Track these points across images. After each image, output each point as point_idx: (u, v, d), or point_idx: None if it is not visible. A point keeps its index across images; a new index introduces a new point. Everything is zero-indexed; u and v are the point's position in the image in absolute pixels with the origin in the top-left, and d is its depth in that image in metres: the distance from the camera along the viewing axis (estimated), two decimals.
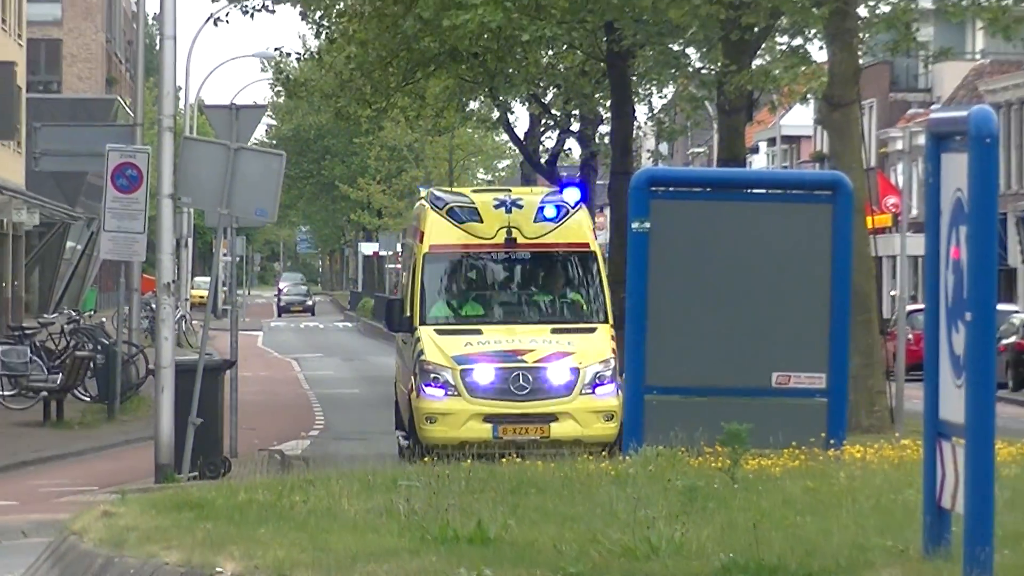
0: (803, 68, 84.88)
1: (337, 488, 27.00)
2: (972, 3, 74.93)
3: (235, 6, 76.01)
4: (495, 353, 44.36)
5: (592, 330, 46.28)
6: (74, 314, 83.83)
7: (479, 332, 47.22)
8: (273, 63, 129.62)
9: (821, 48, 77.59)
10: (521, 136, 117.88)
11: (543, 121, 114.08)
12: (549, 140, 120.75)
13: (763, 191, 45.95)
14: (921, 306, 73.57)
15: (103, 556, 21.76)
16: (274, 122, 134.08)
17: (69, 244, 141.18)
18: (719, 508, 22.01)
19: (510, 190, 57.50)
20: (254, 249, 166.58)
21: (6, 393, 69.74)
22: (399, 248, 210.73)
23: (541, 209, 48.41)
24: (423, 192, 65.85)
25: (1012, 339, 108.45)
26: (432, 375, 45.37)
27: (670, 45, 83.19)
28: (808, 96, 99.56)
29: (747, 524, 20.28)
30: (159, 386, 50.77)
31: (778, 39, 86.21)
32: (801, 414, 34.12)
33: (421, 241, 56.12)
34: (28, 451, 56.43)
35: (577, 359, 44.54)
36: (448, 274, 48.86)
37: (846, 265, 38.72)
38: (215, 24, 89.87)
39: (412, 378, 57.88)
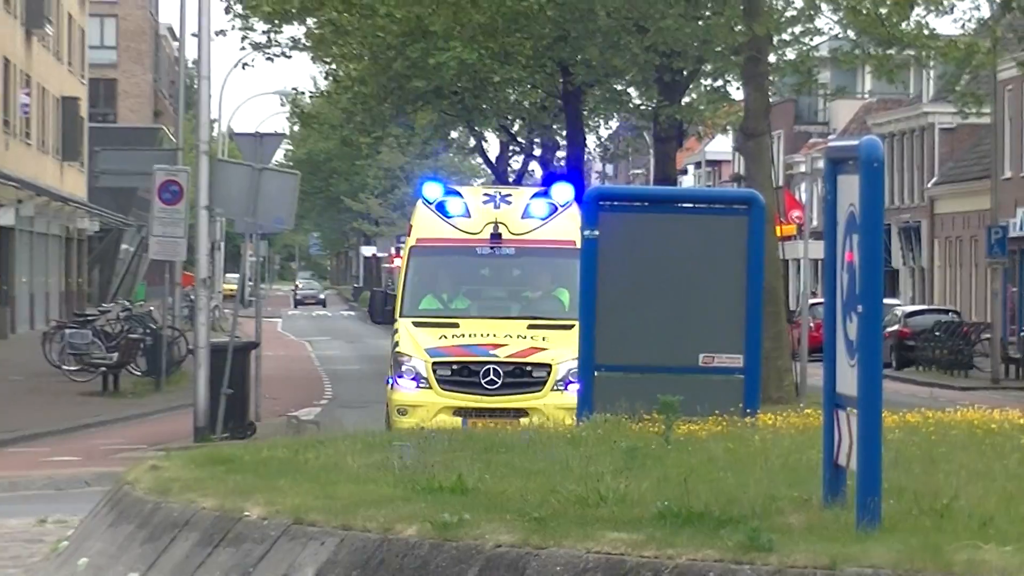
0: (724, 105, 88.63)
1: (342, 447, 27.05)
2: (862, 52, 74.97)
3: (259, 53, 75.76)
4: (467, 346, 40.39)
5: (569, 327, 38.85)
6: (127, 304, 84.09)
7: (456, 325, 42.39)
8: (290, 99, 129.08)
9: (738, 88, 79.07)
10: (493, 159, 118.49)
11: (511, 147, 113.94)
12: (516, 163, 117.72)
13: (691, 205, 45.89)
14: (820, 300, 73.84)
15: (151, 502, 21.71)
16: (291, 147, 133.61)
17: (123, 247, 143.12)
18: (655, 465, 22.00)
19: (501, 189, 53.06)
20: (274, 251, 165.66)
21: (72, 368, 70.37)
22: (392, 250, 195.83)
23: (529, 206, 43.94)
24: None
25: (895, 327, 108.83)
26: (404, 367, 41.17)
27: (614, 86, 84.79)
28: (727, 127, 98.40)
29: (679, 478, 20.27)
30: (197, 363, 51.18)
31: (703, 81, 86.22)
32: (722, 388, 34.23)
33: (409, 235, 49.52)
34: (89, 416, 56.50)
35: (550, 356, 40.04)
36: (432, 268, 44.44)
37: (759, 266, 38.81)
38: (243, 67, 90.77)
39: (388, 369, 49.17)
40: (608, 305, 35.68)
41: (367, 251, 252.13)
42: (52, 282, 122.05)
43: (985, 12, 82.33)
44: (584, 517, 18.44)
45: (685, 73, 74.46)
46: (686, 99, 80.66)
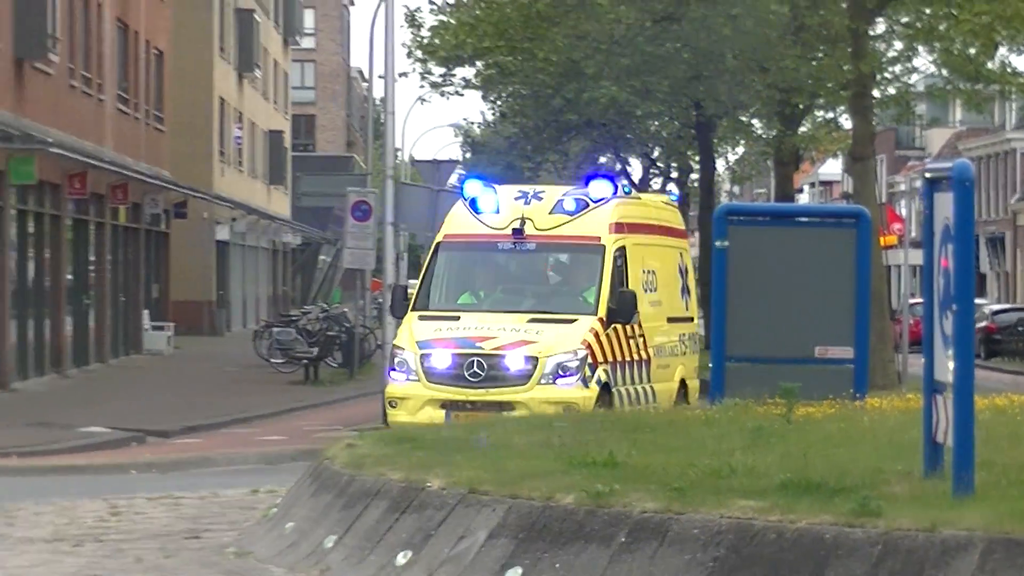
0: (834, 133, 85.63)
1: (509, 428, 27.03)
2: (953, 88, 74.30)
3: (436, 92, 75.52)
4: (455, 339, 35.85)
5: (572, 321, 36.29)
6: (325, 306, 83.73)
7: (456, 319, 37.43)
8: (462, 131, 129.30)
9: (847, 119, 75.68)
10: (636, 181, 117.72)
11: (651, 171, 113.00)
12: (656, 184, 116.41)
13: (806, 219, 45.65)
14: (919, 300, 72.92)
15: (347, 475, 21.68)
16: (463, 171, 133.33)
17: (321, 257, 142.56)
18: (778, 442, 21.88)
19: (540, 186, 45.84)
20: None
21: (278, 361, 70.26)
22: None
23: (560, 202, 37.83)
24: None
25: (983, 324, 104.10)
26: (397, 359, 36.80)
27: (740, 117, 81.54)
28: (837, 152, 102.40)
29: (798, 453, 20.16)
30: (384, 356, 51.01)
31: (817, 112, 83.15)
32: (835, 376, 33.95)
33: (439, 229, 42.87)
34: (294, 402, 56.59)
35: (537, 349, 35.50)
36: (454, 263, 38.75)
37: (866, 271, 38.68)
38: (421, 103, 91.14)
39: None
40: (736, 305, 35.50)
41: None
42: (261, 288, 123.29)
43: None
44: (717, 487, 18.33)
45: (801, 106, 72.94)
46: (802, 128, 78.50)
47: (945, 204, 18.96)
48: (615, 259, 36.16)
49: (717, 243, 37.58)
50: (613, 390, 35.34)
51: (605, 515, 18.05)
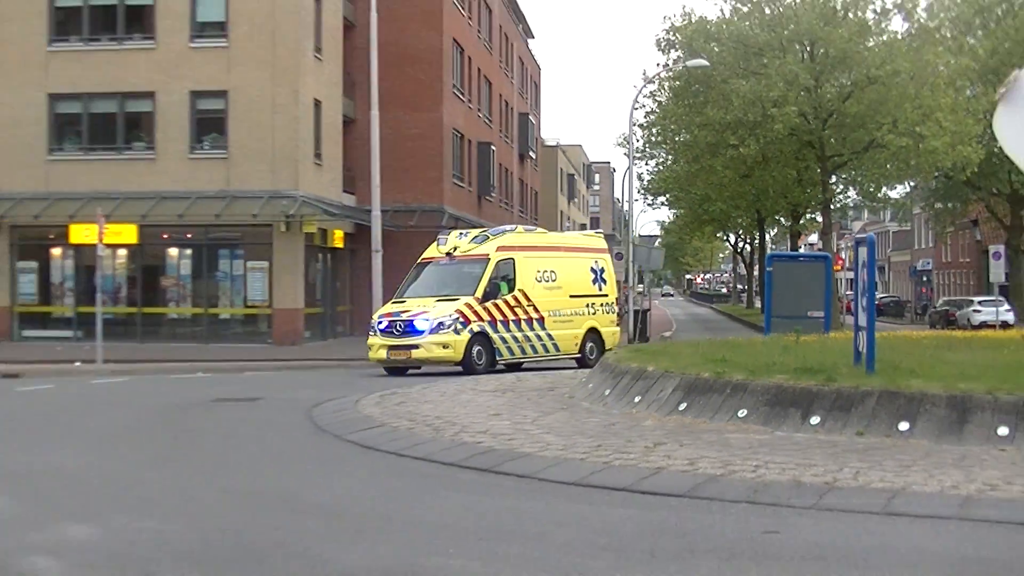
0: (813, 223, 75.19)
1: (680, 346, 26.83)
2: (863, 204, 71.96)
3: (651, 206, 74.13)
4: (392, 312, 32.57)
5: (456, 299, 32.65)
6: None
7: (403, 302, 33.50)
8: (664, 226, 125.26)
9: (819, 216, 68.15)
10: (734, 242, 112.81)
11: (739, 238, 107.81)
12: (740, 244, 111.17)
13: (804, 258, 45.51)
14: (851, 292, 71.63)
15: (614, 364, 21.70)
16: (662, 235, 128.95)
17: None
18: (793, 352, 21.84)
19: (472, 230, 38.36)
20: (655, 275, 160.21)
21: None
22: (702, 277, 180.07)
23: (475, 237, 34.43)
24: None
25: (945, 309, 79.20)
26: (372, 323, 33.21)
27: (777, 217, 77.11)
28: (816, 231, 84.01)
29: (802, 356, 20.34)
30: (629, 316, 50.13)
31: (808, 215, 73.11)
32: (816, 324, 32.61)
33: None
34: None
35: (429, 314, 32.15)
36: (419, 273, 34.08)
37: (830, 280, 38.57)
38: (646, 209, 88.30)
39: None
40: (776, 294, 35.27)
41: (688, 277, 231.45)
42: None
43: None
44: (767, 370, 18.23)
45: (805, 214, 71.23)
46: (801, 222, 75.08)
47: (862, 252, 18.97)
48: (497, 266, 33.24)
49: (768, 268, 37.58)
50: (493, 335, 32.58)
51: (721, 381, 18.07)
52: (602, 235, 39.83)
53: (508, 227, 35.79)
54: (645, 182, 72.16)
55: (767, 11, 56.13)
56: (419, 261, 34.70)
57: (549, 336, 34.59)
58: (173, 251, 45.49)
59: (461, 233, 34.76)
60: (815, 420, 16.46)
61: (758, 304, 72.91)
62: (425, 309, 32.06)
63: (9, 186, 43.92)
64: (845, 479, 13.06)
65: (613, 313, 37.73)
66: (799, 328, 28.66)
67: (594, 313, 36.46)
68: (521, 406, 20.61)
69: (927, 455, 14.60)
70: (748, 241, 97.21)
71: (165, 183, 43.81)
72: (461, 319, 32.01)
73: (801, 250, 67.37)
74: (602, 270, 37.38)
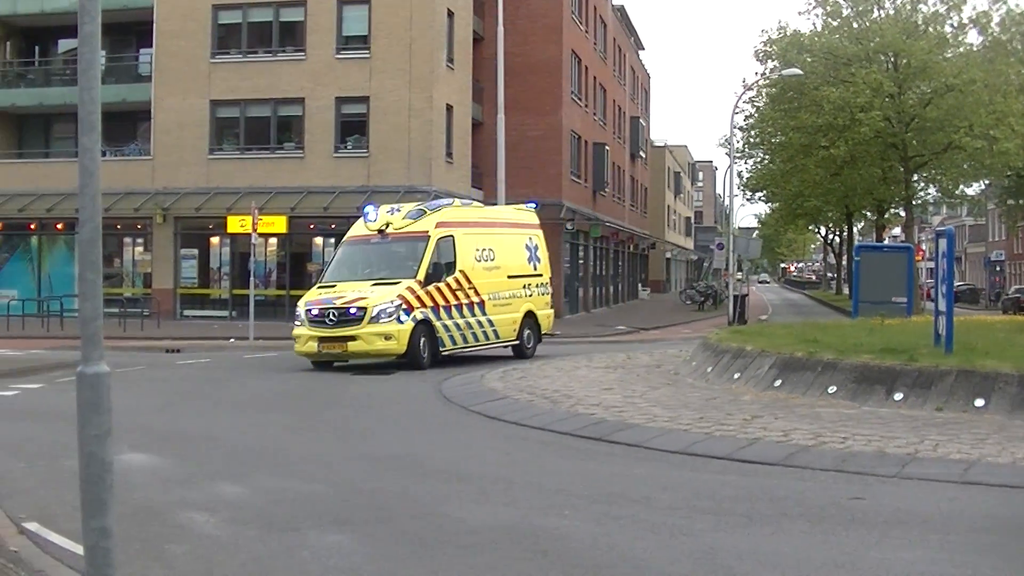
0: (896, 218, 72.16)
1: (775, 327, 26.67)
2: (942, 200, 70.85)
3: (747, 200, 73.77)
4: (324, 299, 26.78)
5: (396, 283, 26.97)
6: (706, 282, 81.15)
7: (333, 287, 27.73)
8: (761, 219, 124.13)
9: (903, 211, 62.56)
10: (824, 234, 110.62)
11: (829, 231, 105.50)
12: (831, 236, 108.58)
13: (888, 249, 44.78)
14: (931, 280, 70.40)
15: (715, 343, 21.53)
16: (759, 226, 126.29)
17: (704, 264, 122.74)
18: (879, 333, 21.53)
19: (403, 204, 31.42)
20: (754, 264, 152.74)
21: (689, 302, 68.31)
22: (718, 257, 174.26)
23: (410, 212, 28.60)
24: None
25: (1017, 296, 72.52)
26: (298, 312, 27.19)
27: (864, 211, 75.77)
28: (898, 225, 75.93)
29: (887, 337, 20.07)
30: (728, 301, 49.85)
31: (892, 210, 70.07)
32: (900, 309, 32.69)
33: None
34: (694, 318, 55.08)
35: (368, 301, 26.26)
36: (345, 253, 28.82)
37: (912, 269, 37.94)
38: (743, 204, 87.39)
39: None
40: (863, 282, 34.69)
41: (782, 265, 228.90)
42: (681, 275, 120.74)
43: None
44: (855, 350, 17.97)
45: (890, 209, 70.09)
46: (885, 216, 73.40)
47: (942, 244, 18.63)
48: (437, 245, 26.34)
49: (856, 258, 36.97)
50: (436, 323, 25.70)
51: (813, 360, 17.84)
52: (534, 210, 32.14)
53: (445, 201, 28.66)
54: (744, 179, 71.45)
55: (855, 25, 55.76)
56: (346, 239, 27.70)
57: (489, 322, 27.94)
58: (318, 240, 45.75)
59: (392, 208, 27.43)
60: (898, 396, 16.24)
61: (846, 291, 71.78)
62: (362, 295, 25.09)
63: (175, 182, 44.60)
64: (925, 450, 12.89)
65: (548, 295, 31.13)
66: (884, 312, 28.31)
67: (530, 295, 29.89)
68: (631, 381, 20.53)
69: (1000, 429, 14.37)
70: (837, 233, 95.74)
71: (312, 179, 43.99)
72: (404, 306, 25.12)
73: (886, 242, 66.23)
74: (536, 247, 30.73)
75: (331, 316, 24.57)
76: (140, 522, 9.44)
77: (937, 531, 9.47)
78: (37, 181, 45.32)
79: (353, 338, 24.35)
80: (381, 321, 24.30)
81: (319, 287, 26.43)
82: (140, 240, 46.57)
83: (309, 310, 25.04)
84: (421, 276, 25.40)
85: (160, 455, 13.04)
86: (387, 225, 26.54)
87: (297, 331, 25.20)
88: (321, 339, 24.67)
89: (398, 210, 26.83)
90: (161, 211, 44.36)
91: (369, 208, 27.05)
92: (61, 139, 48.10)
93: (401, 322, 24.62)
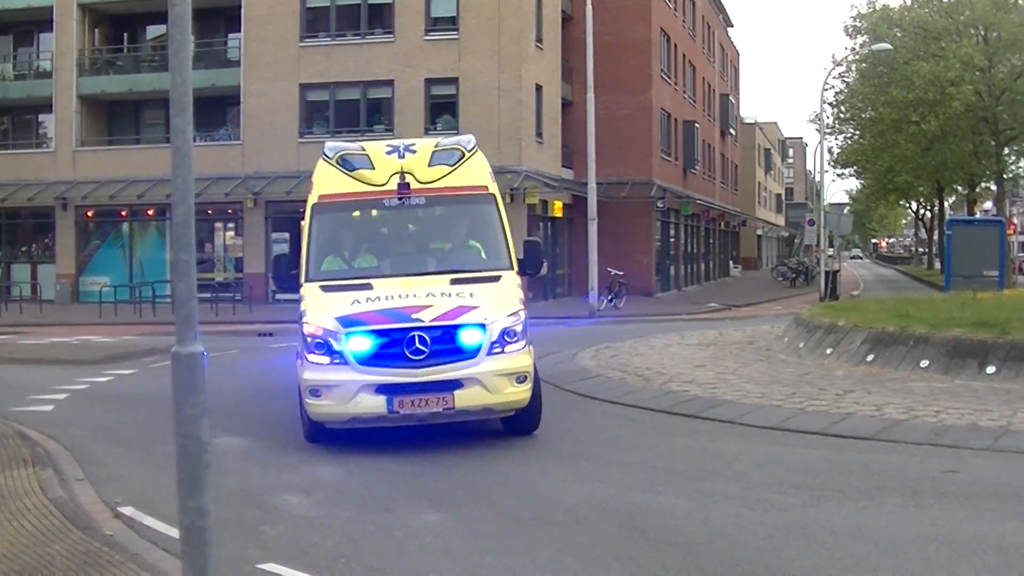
0: (987, 192, 70.12)
1: (868, 303, 26.49)
2: None
3: (840, 177, 72.74)
4: (386, 312, 12.62)
5: (496, 279, 13.51)
6: (799, 258, 79.84)
7: (368, 287, 13.29)
8: (852, 195, 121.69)
9: (994, 185, 61.59)
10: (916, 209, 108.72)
11: (920, 204, 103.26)
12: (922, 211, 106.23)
13: (979, 223, 44.15)
14: (1022, 254, 68.04)
15: (807, 319, 21.41)
16: (852, 201, 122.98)
17: (796, 240, 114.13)
18: (971, 307, 21.29)
19: (405, 140, 16.02)
20: (846, 240, 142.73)
21: (782, 279, 67.17)
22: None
23: (436, 153, 14.92)
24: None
25: None
26: (316, 340, 12.63)
27: (955, 186, 74.59)
28: (990, 199, 73.03)
29: (980, 311, 19.81)
30: (821, 277, 49.14)
31: (983, 184, 67.32)
32: (992, 282, 31.97)
33: (311, 192, 15.23)
34: (787, 294, 54.19)
35: (482, 314, 12.67)
36: (338, 226, 14.78)
37: (1004, 243, 37.33)
38: (834, 180, 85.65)
39: (299, 344, 13.53)
40: (954, 256, 34.32)
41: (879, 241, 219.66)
42: (772, 251, 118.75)
43: None
44: (947, 323, 17.79)
45: (980, 183, 69.17)
46: (977, 190, 72.11)
47: None
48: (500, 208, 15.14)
49: (947, 232, 36.55)
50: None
51: (904, 334, 17.70)
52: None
53: (465, 138, 15.50)
54: (834, 155, 70.74)
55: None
56: (323, 199, 14.78)
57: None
58: None
59: (395, 146, 15.14)
60: (991, 369, 16.06)
61: (937, 266, 70.73)
62: (463, 303, 13.04)
63: (266, 166, 44.65)
64: (1019, 423, 12.76)
65: None
66: (976, 286, 27.94)
67: None
68: (723, 358, 20.45)
69: None
70: (928, 208, 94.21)
71: None
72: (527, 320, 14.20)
73: (977, 216, 65.10)
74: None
75: (416, 344, 12.38)
76: (236, 505, 9.57)
77: None
78: (127, 168, 45.28)
79: (460, 383, 12.41)
80: (508, 349, 12.73)
81: (340, 286, 13.45)
82: (231, 225, 46.62)
83: (358, 333, 12.50)
84: (514, 262, 14.03)
85: (256, 438, 13.14)
86: (403, 175, 14.27)
87: (324, 374, 12.40)
88: (394, 388, 12.37)
89: (411, 150, 14.74)
90: (252, 195, 44.50)
91: (343, 148, 14.80)
92: (151, 125, 48.10)
93: (530, 349, 13.28)
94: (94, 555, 7.68)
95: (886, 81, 55.82)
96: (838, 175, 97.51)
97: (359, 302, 12.54)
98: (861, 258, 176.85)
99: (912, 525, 8.65)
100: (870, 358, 17.87)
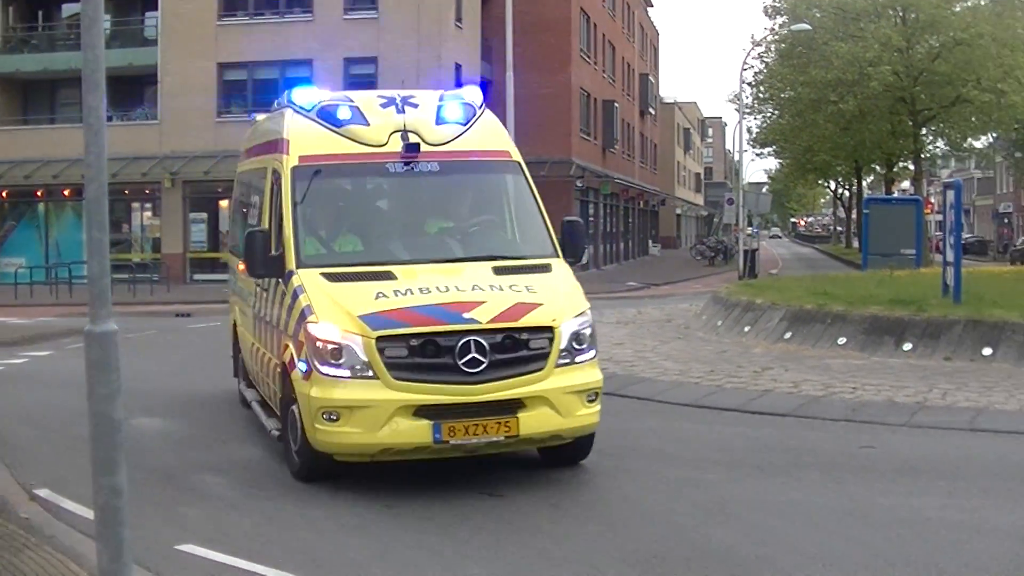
0: (905, 171, 73.98)
1: (786, 280, 26.63)
2: (951, 153, 70.31)
3: (756, 155, 73.72)
4: (426, 308, 8.83)
5: (545, 268, 9.84)
6: (716, 237, 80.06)
7: (390, 276, 9.30)
8: (771, 174, 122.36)
9: (911, 165, 62.64)
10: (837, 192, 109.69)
11: (839, 185, 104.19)
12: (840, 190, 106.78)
13: (897, 201, 44.62)
14: (939, 233, 69.54)
15: (725, 297, 21.52)
16: (771, 181, 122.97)
17: (715, 219, 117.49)
18: (888, 285, 21.54)
19: (401, 91, 11.19)
20: (764, 218, 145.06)
21: (700, 258, 67.34)
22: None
23: (443, 108, 10.54)
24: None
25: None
26: (331, 345, 8.76)
27: (873, 166, 75.04)
28: (908, 179, 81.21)
29: (896, 288, 20.00)
30: (739, 256, 49.26)
31: (901, 164, 67.48)
32: (909, 260, 32.41)
33: (285, 152, 10.36)
34: (704, 274, 54.24)
35: (549, 313, 9.12)
36: (329, 196, 10.31)
37: (920, 221, 37.80)
38: (753, 160, 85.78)
39: (288, 347, 9.56)
40: (871, 235, 34.56)
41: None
42: (692, 230, 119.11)
43: None
44: (864, 301, 18.00)
45: (898, 162, 69.92)
46: (894, 170, 72.83)
47: (950, 195, 18.60)
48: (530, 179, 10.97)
49: (865, 211, 36.90)
50: None
51: (822, 312, 17.88)
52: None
53: (470, 90, 11.57)
54: (754, 135, 71.15)
55: None
56: (304, 161, 10.35)
57: None
58: None
59: (390, 98, 10.92)
60: (907, 346, 16.26)
61: (855, 244, 71.52)
62: (523, 299, 9.43)
63: (182, 146, 44.28)
64: (934, 399, 12.93)
65: None
66: (893, 264, 28.25)
67: None
68: (641, 336, 20.53)
69: (1008, 377, 14.40)
70: (847, 187, 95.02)
71: None
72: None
73: (895, 195, 65.73)
74: None
75: (472, 352, 9.01)
76: (154, 486, 9.43)
77: (945, 477, 9.50)
78: (43, 148, 44.53)
79: (523, 404, 9.15)
80: (578, 360, 9.52)
81: (350, 274, 9.71)
82: (148, 205, 46.06)
83: (395, 337, 8.99)
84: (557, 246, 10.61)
85: (173, 419, 12.97)
86: (406, 134, 10.48)
87: (345, 392, 8.96)
88: (443, 410, 8.98)
89: (411, 103, 10.87)
90: (169, 175, 44.04)
91: (312, 93, 11.25)
92: (67, 105, 47.19)
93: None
94: (9, 538, 7.57)
95: (805, 61, 56.12)
96: (757, 154, 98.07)
97: (385, 295, 9.19)
98: (780, 237, 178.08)
99: (830, 500, 8.73)
100: (788, 336, 18.02)
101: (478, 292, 9.30)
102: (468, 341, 8.83)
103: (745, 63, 59.04)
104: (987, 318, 16.13)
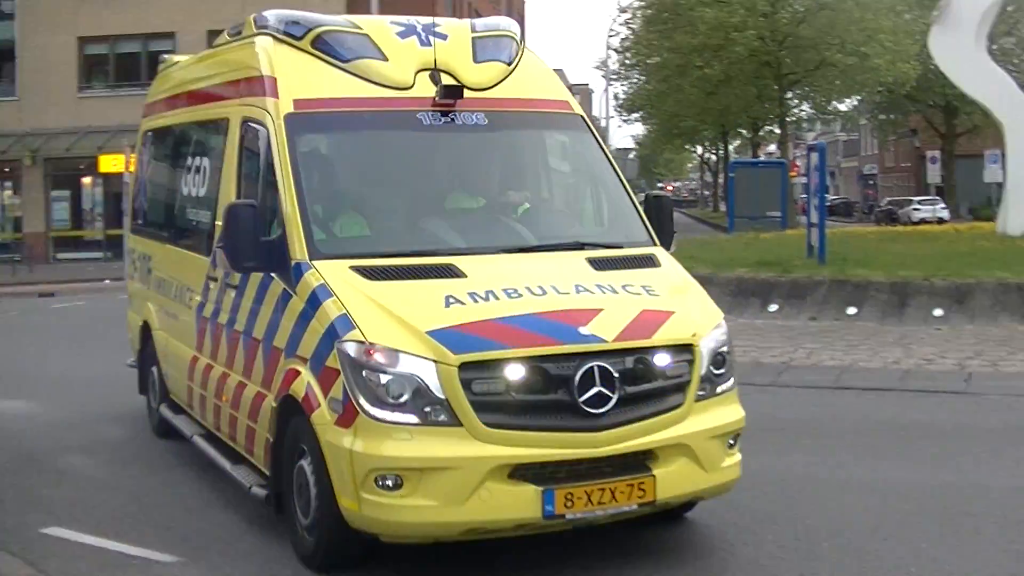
0: (771, 135, 74.29)
1: (724, 242, 26.64)
2: (816, 116, 71.38)
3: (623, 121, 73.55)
4: (526, 320, 5.44)
5: (651, 259, 6.64)
6: None
7: (455, 271, 5.83)
8: (639, 140, 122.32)
9: (776, 129, 63.14)
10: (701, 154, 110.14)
11: (706, 148, 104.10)
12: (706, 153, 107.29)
13: (763, 164, 45.03)
14: (804, 195, 70.30)
15: None
16: (639, 146, 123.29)
17: None
18: (754, 246, 21.82)
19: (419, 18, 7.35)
20: (631, 185, 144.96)
21: None
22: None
23: (478, 40, 7.03)
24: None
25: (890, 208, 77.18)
26: (386, 377, 5.37)
27: (739, 129, 75.56)
28: (775, 142, 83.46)
29: (762, 251, 20.24)
30: None
31: (767, 127, 68.00)
32: (775, 223, 33.16)
33: (271, 95, 6.59)
34: None
35: (687, 325, 5.99)
36: (341, 156, 6.57)
37: (787, 184, 38.15)
38: (620, 126, 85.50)
39: (300, 375, 6.03)
40: (737, 198, 34.91)
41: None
42: None
43: None
44: (731, 264, 18.21)
45: (762, 126, 70.10)
46: (760, 133, 73.31)
47: (814, 157, 18.92)
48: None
49: (731, 175, 37.32)
50: None
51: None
52: None
53: (505, 20, 8.43)
54: (620, 101, 71.51)
55: None
56: (324, 112, 6.92)
57: None
58: None
59: (409, 24, 7.39)
60: (773, 307, 16.54)
61: (722, 208, 72.41)
62: (648, 305, 6.36)
63: (42, 123, 43.39)
64: (800, 359, 13.20)
65: None
66: (759, 227, 28.70)
67: None
68: None
69: (872, 335, 14.74)
70: (714, 152, 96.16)
71: None
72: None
73: (761, 158, 66.63)
74: None
75: (597, 382, 5.82)
76: (17, 470, 9.21)
77: (810, 435, 9.72)
78: None
79: (655, 456, 6.03)
80: (719, 388, 6.49)
81: (403, 268, 6.28)
82: (8, 184, 45.11)
83: (480, 363, 5.72)
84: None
85: (39, 401, 12.59)
86: (437, 73, 7.05)
87: (414, 446, 5.68)
88: (560, 472, 5.78)
89: (437, 32, 7.32)
90: (30, 153, 43.13)
91: (316, 21, 7.48)
92: None
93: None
94: None
95: (671, 27, 56.50)
96: (624, 120, 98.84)
97: (458, 301, 6.04)
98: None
99: None
100: None
101: (586, 296, 6.30)
102: (591, 367, 5.84)
103: (611, 29, 59.55)
104: (851, 278, 16.47)
